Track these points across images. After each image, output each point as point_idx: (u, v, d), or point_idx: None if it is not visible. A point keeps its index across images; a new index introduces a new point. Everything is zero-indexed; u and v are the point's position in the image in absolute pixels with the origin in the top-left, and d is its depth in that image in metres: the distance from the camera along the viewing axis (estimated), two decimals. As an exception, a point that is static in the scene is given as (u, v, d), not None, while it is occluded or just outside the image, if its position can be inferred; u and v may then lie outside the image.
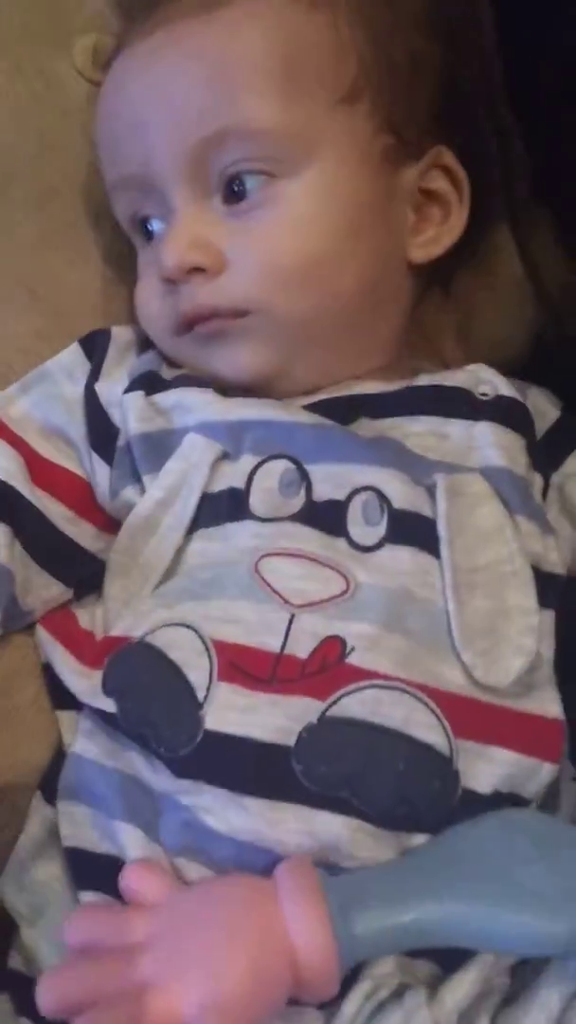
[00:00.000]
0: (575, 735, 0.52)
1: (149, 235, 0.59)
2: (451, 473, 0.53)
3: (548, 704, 0.51)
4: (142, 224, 0.59)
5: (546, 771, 0.49)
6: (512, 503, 0.53)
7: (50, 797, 0.54)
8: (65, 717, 0.55)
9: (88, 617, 0.56)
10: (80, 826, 0.51)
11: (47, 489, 0.57)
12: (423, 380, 0.58)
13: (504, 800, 0.48)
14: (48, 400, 0.59)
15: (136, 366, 0.59)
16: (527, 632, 0.50)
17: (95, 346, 0.60)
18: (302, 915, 0.41)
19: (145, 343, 0.61)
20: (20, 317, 0.61)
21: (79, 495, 0.58)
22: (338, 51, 0.55)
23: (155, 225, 0.58)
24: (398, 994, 0.45)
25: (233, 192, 0.55)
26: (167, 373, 0.59)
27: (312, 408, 0.56)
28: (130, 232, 0.60)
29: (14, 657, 0.57)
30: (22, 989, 0.50)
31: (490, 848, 0.46)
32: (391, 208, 0.57)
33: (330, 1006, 0.44)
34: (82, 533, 0.58)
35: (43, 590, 0.56)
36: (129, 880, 0.46)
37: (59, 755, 0.55)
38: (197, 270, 0.55)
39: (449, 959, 0.45)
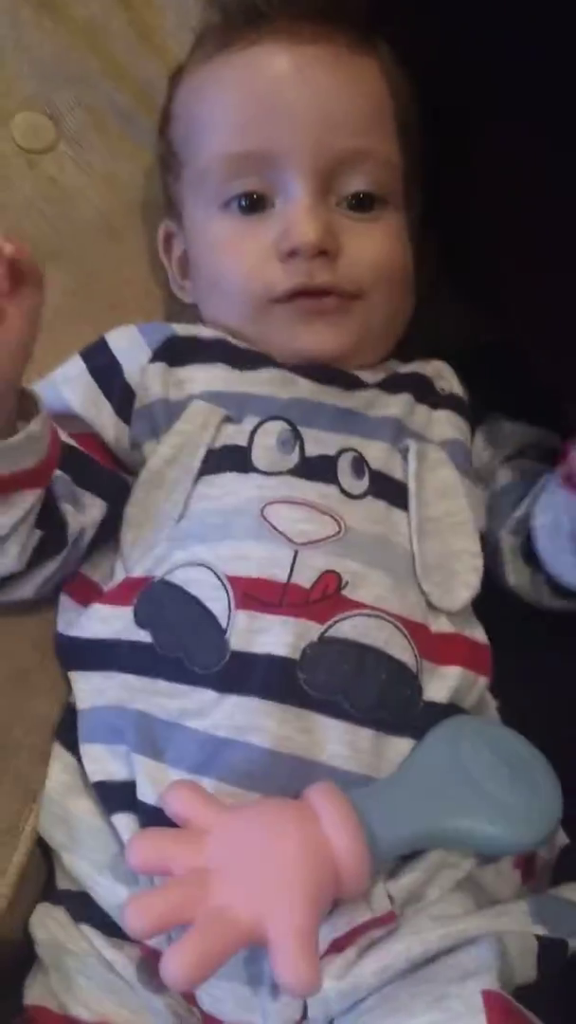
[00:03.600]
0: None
1: (252, 207, 0.64)
2: (419, 441, 0.63)
3: (480, 634, 0.63)
4: (246, 196, 0.64)
5: (481, 683, 0.62)
6: (463, 468, 0.64)
7: (66, 745, 0.60)
8: (78, 676, 0.61)
9: (106, 574, 0.63)
10: (101, 762, 0.58)
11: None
12: (405, 368, 0.68)
13: (453, 708, 0.59)
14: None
15: (152, 335, 0.66)
16: (473, 571, 0.62)
17: (96, 350, 0.66)
18: (344, 837, 0.49)
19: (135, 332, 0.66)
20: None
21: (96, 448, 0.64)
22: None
23: (277, 203, 0.63)
24: None
25: (359, 201, 0.63)
26: (183, 332, 0.66)
27: (325, 373, 0.65)
28: (218, 197, 0.64)
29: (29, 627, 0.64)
30: (74, 901, 0.58)
31: (464, 763, 0.56)
32: None
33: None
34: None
35: (89, 509, 0.62)
36: (175, 804, 0.51)
37: (69, 711, 0.61)
38: (323, 252, 0.61)
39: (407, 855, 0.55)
